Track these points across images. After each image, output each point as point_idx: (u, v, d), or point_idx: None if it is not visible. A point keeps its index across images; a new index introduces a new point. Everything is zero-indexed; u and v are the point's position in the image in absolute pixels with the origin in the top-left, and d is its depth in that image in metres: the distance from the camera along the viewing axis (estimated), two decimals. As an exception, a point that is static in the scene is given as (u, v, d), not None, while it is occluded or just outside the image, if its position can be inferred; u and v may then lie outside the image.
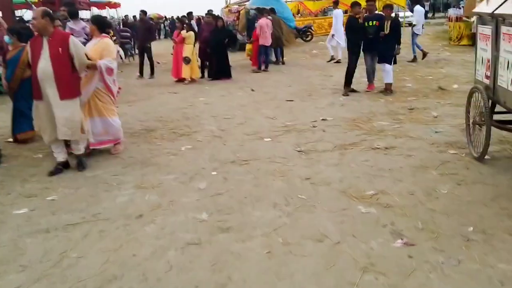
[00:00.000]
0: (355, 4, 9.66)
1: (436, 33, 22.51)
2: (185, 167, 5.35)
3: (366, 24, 9.32)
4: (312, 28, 24.16)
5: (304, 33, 23.57)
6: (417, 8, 14.15)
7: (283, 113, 7.95)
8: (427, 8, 36.70)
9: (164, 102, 9.48)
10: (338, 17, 14.90)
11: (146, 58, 12.78)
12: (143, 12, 12.97)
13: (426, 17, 37.51)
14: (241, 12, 22.08)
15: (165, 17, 35.65)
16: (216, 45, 11.95)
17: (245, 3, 22.86)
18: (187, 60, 11.72)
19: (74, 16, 9.94)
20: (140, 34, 13.05)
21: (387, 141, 5.97)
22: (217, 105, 8.95)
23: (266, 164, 5.33)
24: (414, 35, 13.55)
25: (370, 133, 6.44)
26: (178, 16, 24.71)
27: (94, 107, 5.74)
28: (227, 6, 26.80)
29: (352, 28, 9.42)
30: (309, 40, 23.48)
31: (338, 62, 14.70)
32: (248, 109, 8.46)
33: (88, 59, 5.34)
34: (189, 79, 11.89)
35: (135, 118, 8.02)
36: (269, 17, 13.75)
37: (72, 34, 5.70)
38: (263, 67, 13.64)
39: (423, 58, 13.56)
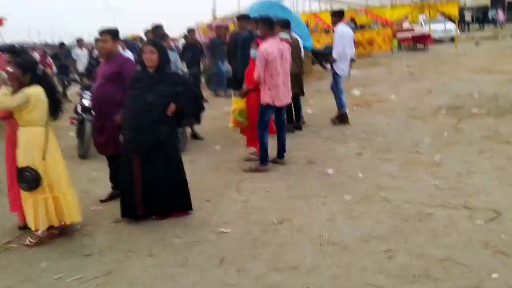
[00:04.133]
0: None
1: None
2: None
3: None
4: (335, 49, 15.94)
5: (324, 58, 15.38)
6: None
7: None
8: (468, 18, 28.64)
9: None
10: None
11: None
12: None
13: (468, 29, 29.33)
14: (230, 27, 13.93)
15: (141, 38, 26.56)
16: (143, 124, 3.77)
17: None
18: (28, 180, 3.46)
19: None
20: None
21: None
22: None
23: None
24: None
25: None
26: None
27: None
28: (215, 20, 18.78)
29: None
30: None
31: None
32: None
33: None
34: (39, 234, 3.66)
35: None
36: (285, 35, 5.52)
37: None
38: (271, 158, 5.42)
39: None
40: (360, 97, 9.51)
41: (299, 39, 7.24)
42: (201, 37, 12.63)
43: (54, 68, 16.02)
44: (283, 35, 5.39)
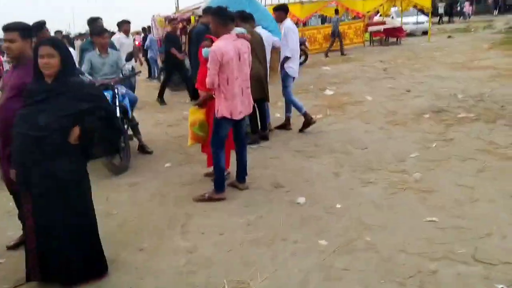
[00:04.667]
0: None
1: None
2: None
3: None
4: (306, 43, 15.00)
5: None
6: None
7: None
8: (441, 10, 28.23)
9: None
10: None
11: None
12: None
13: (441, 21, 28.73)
14: (192, 20, 12.74)
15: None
16: (34, 157, 2.64)
17: (199, 7, 13.40)
18: None
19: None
20: None
21: None
22: None
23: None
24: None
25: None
26: None
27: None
28: (176, 13, 17.47)
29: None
30: (302, 63, 14.34)
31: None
32: None
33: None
34: None
35: None
36: (240, 30, 4.47)
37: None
38: (230, 181, 4.43)
39: None
40: (333, 98, 8.58)
41: (264, 34, 6.20)
42: (159, 31, 11.37)
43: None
44: (239, 30, 4.31)
